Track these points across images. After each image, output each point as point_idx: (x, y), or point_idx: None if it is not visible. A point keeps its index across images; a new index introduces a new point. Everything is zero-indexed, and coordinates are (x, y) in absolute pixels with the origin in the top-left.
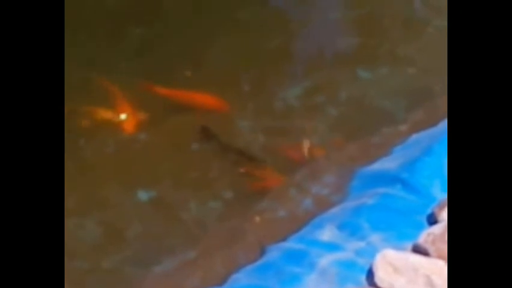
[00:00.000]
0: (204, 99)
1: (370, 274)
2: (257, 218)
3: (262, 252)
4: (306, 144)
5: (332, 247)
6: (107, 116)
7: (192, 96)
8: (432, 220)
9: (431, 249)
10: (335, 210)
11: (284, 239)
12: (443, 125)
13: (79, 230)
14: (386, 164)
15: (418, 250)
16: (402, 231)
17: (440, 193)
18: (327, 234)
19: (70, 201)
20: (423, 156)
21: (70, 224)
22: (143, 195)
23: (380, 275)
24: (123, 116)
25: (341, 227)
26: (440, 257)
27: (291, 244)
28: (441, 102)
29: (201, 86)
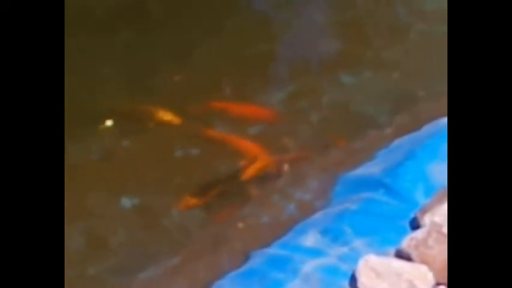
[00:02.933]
0: (257, 111)
1: (353, 279)
2: (240, 224)
3: (246, 258)
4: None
5: (315, 253)
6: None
7: (246, 109)
8: (415, 225)
9: (413, 254)
10: (318, 215)
11: (268, 245)
12: (426, 129)
13: None
14: (369, 168)
15: (401, 255)
16: (385, 236)
17: (423, 198)
18: (310, 239)
19: None
20: (406, 160)
21: None
22: (127, 202)
23: (362, 281)
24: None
25: (324, 232)
26: (423, 261)
27: (274, 250)
28: (425, 107)
29: (185, 90)
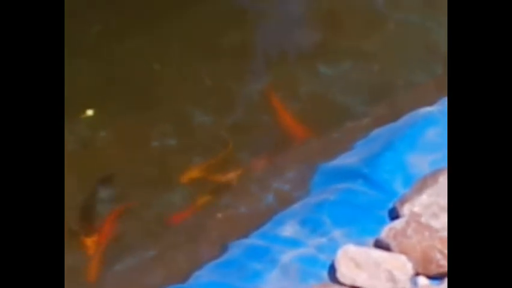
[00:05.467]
0: (295, 125)
1: (332, 270)
2: (219, 215)
3: (224, 248)
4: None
5: (293, 243)
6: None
7: (288, 119)
8: (393, 215)
9: (392, 244)
10: (296, 206)
11: (246, 236)
12: (405, 119)
13: None
14: (348, 159)
15: (380, 245)
16: (364, 226)
17: (402, 188)
18: (288, 230)
19: None
20: (384, 151)
21: None
22: (103, 193)
23: (342, 271)
24: None
25: (303, 223)
26: (401, 251)
27: (253, 240)
28: (403, 97)
29: (161, 82)
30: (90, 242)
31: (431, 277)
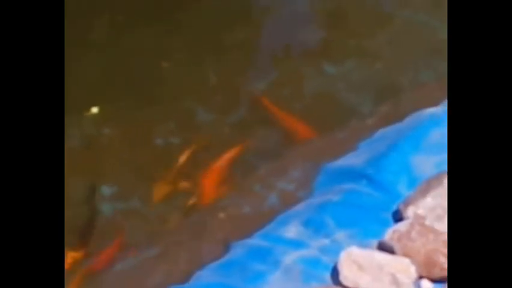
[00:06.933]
0: (297, 126)
1: (335, 272)
2: (221, 214)
3: (227, 249)
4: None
5: (296, 244)
6: None
7: (289, 119)
8: (398, 217)
9: (396, 246)
10: (300, 206)
11: (249, 236)
12: (410, 120)
13: None
14: (352, 159)
15: (383, 247)
16: (367, 228)
17: (406, 190)
18: (292, 231)
19: None
20: (389, 152)
21: None
22: (105, 190)
23: (344, 273)
24: None
25: (306, 223)
26: (405, 254)
27: (255, 241)
28: (408, 96)
29: (165, 79)
30: (70, 257)
31: (434, 280)
